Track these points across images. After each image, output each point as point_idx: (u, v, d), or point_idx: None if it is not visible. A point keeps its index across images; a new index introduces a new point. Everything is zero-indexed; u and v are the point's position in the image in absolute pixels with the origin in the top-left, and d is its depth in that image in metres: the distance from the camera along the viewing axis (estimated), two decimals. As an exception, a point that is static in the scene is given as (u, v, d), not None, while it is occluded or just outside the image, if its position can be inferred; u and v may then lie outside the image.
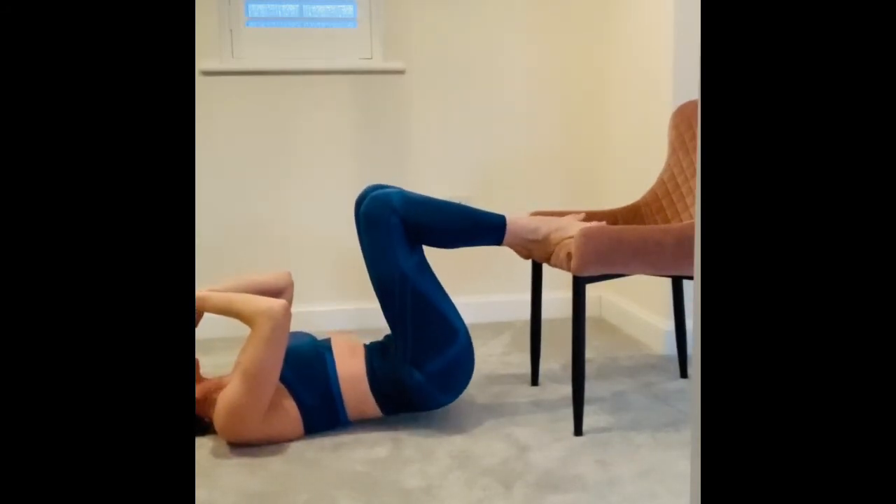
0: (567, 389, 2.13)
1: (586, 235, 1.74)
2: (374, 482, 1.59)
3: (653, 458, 1.67)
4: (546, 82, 2.90)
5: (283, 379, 1.79)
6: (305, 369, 1.81)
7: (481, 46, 2.84)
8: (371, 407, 1.85)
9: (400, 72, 2.79)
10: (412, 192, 1.85)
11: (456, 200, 2.85)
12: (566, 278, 3.00)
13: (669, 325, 2.45)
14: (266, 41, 2.74)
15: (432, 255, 2.89)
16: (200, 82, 2.70)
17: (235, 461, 1.70)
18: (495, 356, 2.47)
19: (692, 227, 1.81)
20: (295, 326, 2.77)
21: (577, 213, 2.03)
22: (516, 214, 1.95)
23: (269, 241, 2.80)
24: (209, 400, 1.81)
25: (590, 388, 2.14)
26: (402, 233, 1.81)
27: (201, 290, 1.83)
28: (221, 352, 2.57)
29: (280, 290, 1.99)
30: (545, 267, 2.91)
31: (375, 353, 1.87)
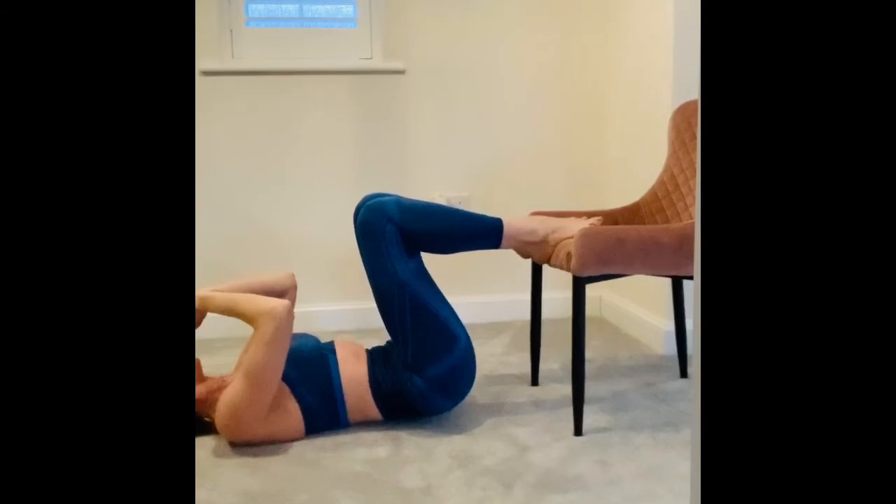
0: (567, 389, 2.13)
1: (586, 235, 1.74)
2: (374, 482, 1.59)
3: (653, 458, 1.67)
4: (546, 82, 2.90)
5: (286, 378, 1.79)
6: (309, 370, 1.81)
7: (481, 46, 2.84)
8: (372, 411, 1.86)
9: (400, 72, 2.79)
10: (408, 199, 1.85)
11: (455, 201, 2.86)
12: (566, 278, 3.00)
13: (669, 325, 2.45)
14: (266, 41, 2.74)
15: (431, 255, 2.89)
16: (200, 82, 2.70)
17: (235, 461, 1.70)
18: (495, 356, 2.47)
19: (692, 227, 1.81)
20: (295, 326, 2.76)
21: (580, 215, 2.03)
22: (513, 217, 1.95)
23: (268, 241, 2.80)
24: (210, 399, 1.81)
25: (590, 388, 2.14)
26: (398, 241, 1.81)
27: (204, 289, 1.83)
28: (222, 352, 2.57)
29: (283, 291, 1.99)
30: (545, 267, 2.91)
31: (378, 359, 1.87)
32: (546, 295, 2.96)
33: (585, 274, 1.75)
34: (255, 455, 1.73)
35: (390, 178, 2.84)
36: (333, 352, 1.86)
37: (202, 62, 2.68)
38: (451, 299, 2.92)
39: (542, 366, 2.35)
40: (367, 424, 1.89)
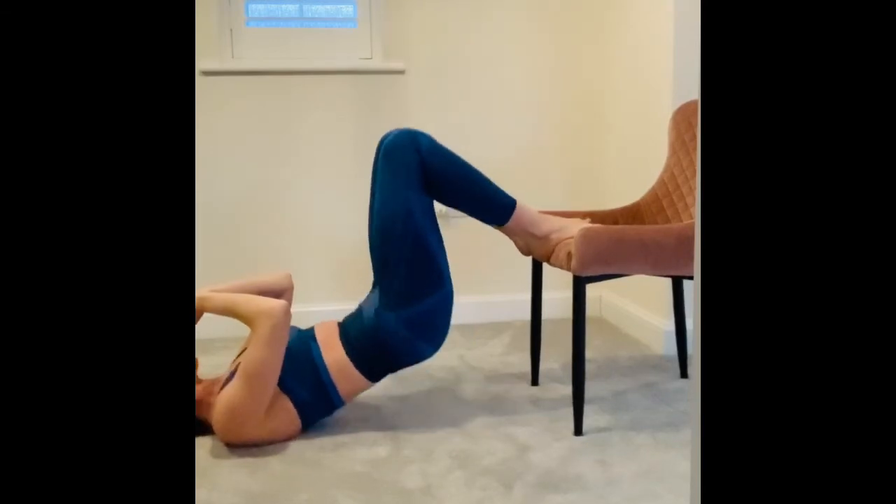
0: (567, 389, 2.13)
1: (586, 235, 1.74)
2: (374, 482, 1.59)
3: (653, 458, 1.67)
4: (546, 82, 2.90)
5: None
6: (295, 364, 1.80)
7: (481, 46, 2.84)
8: (359, 380, 1.83)
9: (400, 72, 2.79)
10: (438, 142, 1.84)
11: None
12: (566, 278, 3.00)
13: (669, 325, 2.45)
14: (266, 41, 2.74)
15: (432, 255, 2.88)
16: (200, 82, 2.70)
17: (235, 461, 1.70)
18: (495, 356, 2.47)
19: (692, 227, 1.81)
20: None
21: (583, 216, 2.03)
22: (526, 204, 1.95)
23: (268, 241, 2.80)
24: (206, 402, 1.81)
25: (590, 388, 2.14)
26: (419, 173, 1.80)
27: (203, 290, 1.83)
28: (221, 352, 2.57)
29: (281, 292, 1.99)
30: (545, 267, 2.91)
31: (349, 324, 1.87)
32: (546, 295, 2.96)
33: (585, 274, 1.76)
34: (255, 455, 1.73)
35: (390, 178, 2.84)
36: (314, 338, 1.86)
37: (202, 62, 2.68)
38: (454, 298, 2.93)
39: (542, 366, 2.35)
40: (367, 424, 1.89)
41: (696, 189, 1.57)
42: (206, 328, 2.73)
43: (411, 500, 1.51)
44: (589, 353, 2.49)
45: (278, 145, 2.77)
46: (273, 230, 2.80)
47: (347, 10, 2.76)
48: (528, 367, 2.35)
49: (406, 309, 1.79)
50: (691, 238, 1.79)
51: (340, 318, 2.83)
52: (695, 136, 2.12)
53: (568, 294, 2.98)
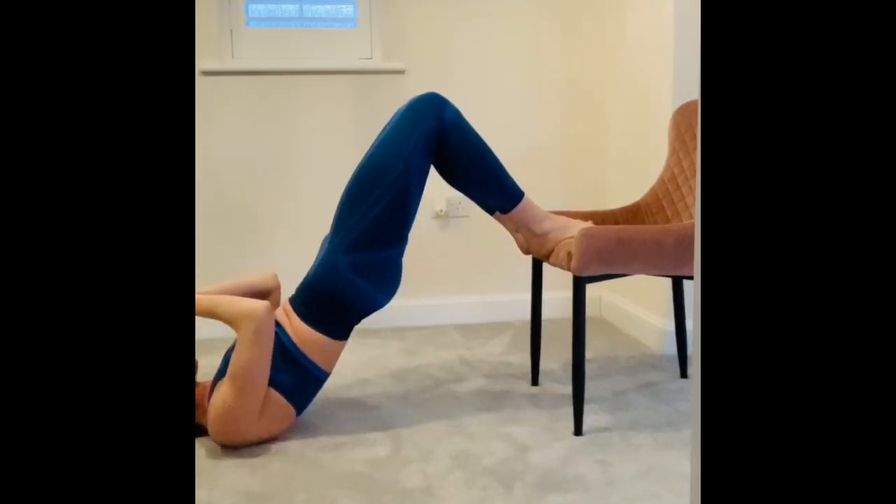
0: (567, 389, 2.13)
1: (586, 235, 1.74)
2: (373, 482, 1.59)
3: (653, 458, 1.67)
4: (546, 82, 2.90)
5: None
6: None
7: (481, 46, 2.84)
8: (327, 343, 1.82)
9: (400, 72, 2.79)
10: (464, 117, 1.84)
11: (454, 201, 2.86)
12: (566, 278, 3.00)
13: (669, 325, 2.45)
14: (266, 41, 2.74)
15: (433, 251, 2.89)
16: (200, 82, 2.70)
17: (235, 461, 1.70)
18: (495, 356, 2.47)
19: (692, 227, 1.81)
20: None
21: (585, 217, 2.03)
22: (535, 202, 1.94)
23: (268, 242, 2.80)
24: (202, 407, 1.81)
25: (590, 388, 2.14)
26: (431, 137, 1.79)
27: None
28: (221, 352, 2.57)
29: (268, 291, 1.98)
30: (545, 266, 2.91)
31: (296, 292, 1.86)
32: (546, 295, 2.96)
33: (586, 274, 1.76)
34: (255, 455, 1.73)
35: (390, 178, 2.84)
36: (279, 324, 1.85)
37: (202, 62, 2.68)
38: (451, 299, 2.94)
39: (542, 366, 2.35)
40: (367, 424, 1.89)
41: (696, 189, 1.57)
42: (206, 328, 2.73)
43: (411, 500, 1.51)
44: (589, 353, 2.49)
45: (278, 145, 2.77)
46: (273, 230, 2.80)
47: (347, 10, 2.76)
48: (528, 367, 2.35)
49: (359, 254, 1.78)
50: (691, 238, 1.79)
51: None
52: (695, 136, 2.12)
53: (568, 294, 2.98)
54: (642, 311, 2.66)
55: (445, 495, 1.52)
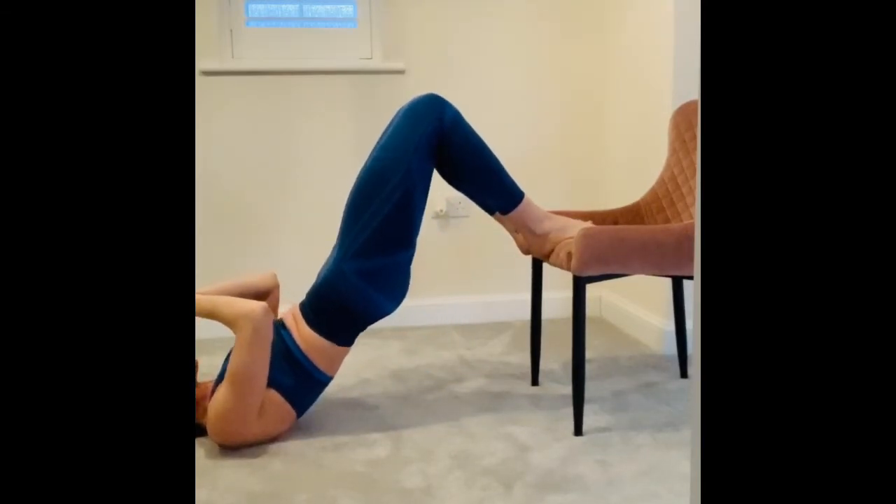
0: (567, 389, 2.13)
1: (586, 235, 1.74)
2: (374, 482, 1.59)
3: (653, 458, 1.67)
4: (546, 82, 2.90)
5: None
6: (273, 356, 1.80)
7: (481, 46, 2.84)
8: (331, 349, 1.82)
9: (400, 72, 2.80)
10: (464, 118, 1.84)
11: (454, 201, 2.86)
12: (566, 278, 3.00)
13: (669, 325, 2.45)
14: (266, 41, 2.74)
15: (433, 251, 2.89)
16: (200, 82, 2.70)
17: (235, 461, 1.70)
18: (495, 356, 2.47)
19: (692, 227, 1.81)
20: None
21: (585, 217, 2.03)
22: (535, 203, 1.94)
23: (268, 242, 2.80)
24: (201, 406, 1.81)
25: (590, 388, 2.14)
26: (433, 139, 1.79)
27: None
28: (222, 352, 2.57)
29: (266, 292, 1.98)
30: (545, 266, 2.91)
31: (305, 298, 1.86)
32: (546, 295, 2.96)
33: (586, 274, 1.76)
34: (255, 455, 1.73)
35: (390, 178, 2.84)
36: (284, 326, 1.85)
37: (202, 62, 2.68)
38: (451, 299, 2.94)
39: (542, 366, 2.35)
40: (367, 424, 1.89)
41: (696, 189, 1.57)
42: (206, 328, 2.73)
43: (411, 500, 1.51)
44: (589, 353, 2.49)
45: (278, 145, 2.77)
46: (272, 230, 2.80)
47: (347, 10, 2.76)
48: (528, 367, 2.35)
49: (367, 260, 1.78)
50: (691, 238, 1.79)
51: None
52: (695, 136, 2.12)
53: (568, 294, 2.98)
54: (642, 311, 2.66)
55: (445, 495, 1.52)
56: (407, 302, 2.88)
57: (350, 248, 1.79)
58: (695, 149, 2.10)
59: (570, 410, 1.96)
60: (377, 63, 2.76)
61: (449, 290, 2.94)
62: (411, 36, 2.80)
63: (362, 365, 2.41)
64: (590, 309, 3.02)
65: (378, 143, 1.85)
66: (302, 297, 2.80)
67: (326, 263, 1.87)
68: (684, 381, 2.20)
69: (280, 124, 2.76)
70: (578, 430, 1.81)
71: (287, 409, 1.79)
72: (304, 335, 1.82)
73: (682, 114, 2.15)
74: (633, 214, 2.15)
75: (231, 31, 2.71)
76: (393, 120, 1.86)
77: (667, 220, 2.11)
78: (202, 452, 1.76)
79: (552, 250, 1.89)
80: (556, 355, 2.47)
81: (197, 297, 1.79)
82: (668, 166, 2.15)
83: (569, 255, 1.79)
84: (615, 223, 2.12)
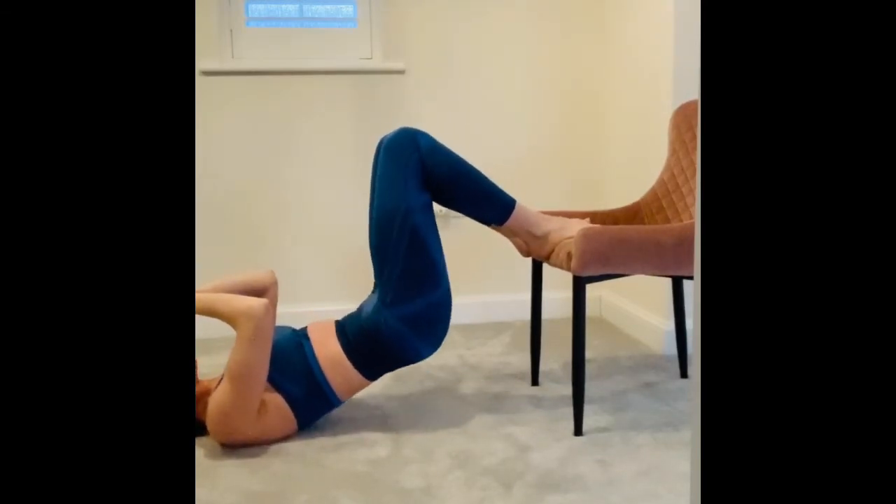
0: (567, 389, 2.13)
1: (586, 235, 1.74)
2: (374, 482, 1.59)
3: (653, 458, 1.67)
4: (546, 82, 2.90)
5: (267, 377, 1.79)
6: (286, 362, 1.80)
7: (481, 46, 2.84)
8: (356, 379, 1.83)
9: (400, 72, 2.80)
10: (439, 142, 1.85)
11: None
12: (566, 278, 3.00)
13: (669, 325, 2.45)
14: (266, 41, 2.74)
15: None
16: (200, 82, 2.70)
17: (235, 461, 1.70)
18: (495, 356, 2.47)
19: (692, 227, 1.81)
20: (297, 327, 2.77)
21: (583, 216, 2.03)
22: (527, 206, 1.95)
23: (268, 242, 2.80)
24: (201, 403, 1.81)
25: (590, 388, 2.14)
26: (418, 171, 1.80)
27: None
28: (221, 352, 2.57)
29: (264, 289, 1.98)
30: (545, 267, 2.91)
31: (346, 322, 1.87)
32: (546, 295, 2.96)
33: (585, 274, 1.76)
34: (255, 455, 1.73)
35: (390, 178, 2.84)
36: (307, 337, 1.86)
37: (202, 62, 2.68)
38: (452, 299, 2.93)
39: (542, 366, 2.35)
40: (367, 424, 1.89)
41: (696, 189, 1.57)
42: (206, 328, 2.73)
43: (411, 500, 1.51)
44: (589, 353, 2.49)
45: (278, 145, 2.77)
46: (273, 230, 2.80)
47: (347, 10, 2.76)
48: (528, 367, 2.35)
49: (405, 306, 1.79)
50: (691, 238, 1.79)
51: (338, 318, 2.84)
52: (695, 136, 2.11)
53: (568, 294, 2.98)
54: (642, 311, 2.66)
55: (445, 495, 1.52)
56: (407, 302, 2.88)
57: (387, 296, 1.80)
58: (695, 149, 2.10)
59: (570, 410, 1.96)
60: (377, 63, 2.76)
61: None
62: (411, 36, 2.80)
63: (362, 365, 2.41)
64: (590, 309, 3.02)
65: (371, 189, 1.87)
66: (302, 296, 2.80)
67: (370, 300, 1.88)
68: (684, 381, 2.20)
69: (280, 124, 2.76)
70: (578, 430, 1.81)
71: (290, 418, 1.79)
72: (332, 354, 1.82)
73: (682, 114, 2.15)
74: (632, 214, 2.15)
75: (231, 31, 2.71)
76: (376, 159, 1.87)
77: (667, 220, 2.11)
78: (202, 452, 1.76)
79: (552, 251, 1.89)
80: (556, 355, 2.47)
81: (196, 294, 1.79)
82: (668, 166, 2.15)
83: (569, 255, 1.79)
84: (615, 223, 2.12)
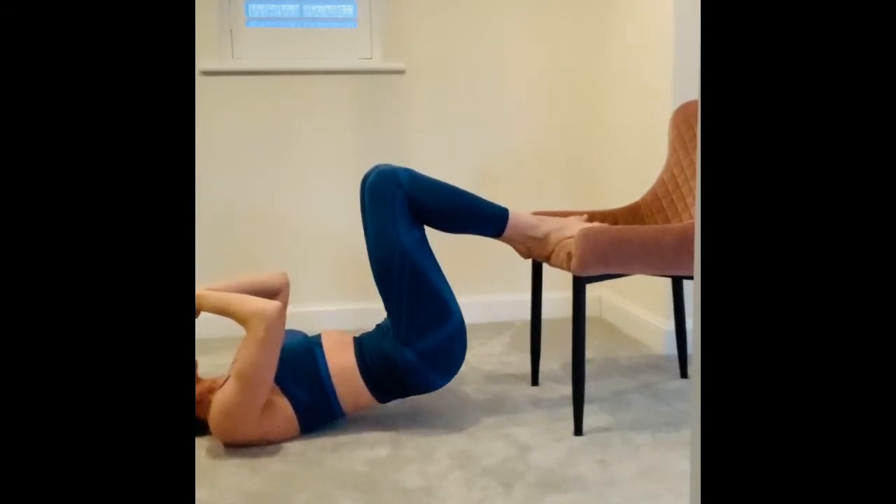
0: (567, 389, 2.13)
1: (586, 235, 1.74)
2: (374, 482, 1.59)
3: (653, 458, 1.67)
4: (546, 82, 2.90)
5: (275, 378, 1.79)
6: (296, 367, 1.81)
7: (481, 46, 2.84)
8: (365, 397, 1.84)
9: (400, 72, 2.79)
10: (419, 173, 1.85)
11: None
12: (566, 278, 3.00)
13: (669, 325, 2.45)
14: (266, 41, 2.74)
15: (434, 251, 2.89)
16: (200, 82, 2.70)
17: (235, 461, 1.70)
18: (495, 356, 2.47)
19: (692, 227, 1.81)
20: (296, 326, 2.77)
21: (580, 214, 2.03)
22: (519, 210, 1.95)
23: (269, 241, 2.80)
24: (204, 401, 1.81)
25: (590, 388, 2.14)
26: (405, 208, 1.81)
27: (199, 288, 1.83)
28: (221, 352, 2.57)
29: (276, 291, 1.99)
30: (545, 267, 2.91)
31: (365, 342, 1.87)
32: (546, 295, 2.96)
33: (586, 274, 1.75)
34: (255, 455, 1.73)
35: (390, 178, 2.84)
36: (320, 344, 1.86)
37: (202, 62, 2.68)
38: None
39: (542, 366, 2.35)
40: (367, 424, 1.89)
41: (696, 189, 1.57)
42: (207, 328, 2.73)
43: (411, 500, 1.51)
44: (589, 353, 2.49)
45: (278, 145, 2.77)
46: (272, 230, 2.80)
47: (347, 10, 2.76)
48: (528, 367, 2.34)
49: (421, 342, 1.80)
50: (691, 238, 1.79)
51: (342, 322, 2.84)
52: (695, 136, 2.11)
53: (568, 294, 2.98)
54: (642, 311, 2.66)
55: (445, 495, 1.52)
56: (407, 302, 2.88)
57: (401, 333, 1.81)
58: (695, 149, 2.10)
59: (570, 410, 1.96)
60: (377, 63, 2.76)
61: (449, 290, 2.94)
62: (411, 36, 2.80)
63: (362, 365, 2.41)
64: (590, 309, 3.02)
65: (364, 228, 1.88)
66: (302, 296, 2.80)
67: (386, 324, 1.88)
68: (684, 381, 2.20)
69: (280, 124, 2.76)
70: (578, 430, 1.81)
71: (293, 422, 1.80)
72: (345, 368, 1.83)
73: (682, 114, 2.15)
74: (632, 214, 2.15)
75: (231, 31, 2.71)
76: (363, 203, 1.88)
77: (667, 220, 2.11)
78: (203, 452, 1.76)
79: (553, 251, 1.89)
80: (556, 355, 2.47)
81: (209, 292, 1.79)
82: (668, 166, 2.15)
83: (569, 255, 1.79)
84: (615, 223, 2.12)
